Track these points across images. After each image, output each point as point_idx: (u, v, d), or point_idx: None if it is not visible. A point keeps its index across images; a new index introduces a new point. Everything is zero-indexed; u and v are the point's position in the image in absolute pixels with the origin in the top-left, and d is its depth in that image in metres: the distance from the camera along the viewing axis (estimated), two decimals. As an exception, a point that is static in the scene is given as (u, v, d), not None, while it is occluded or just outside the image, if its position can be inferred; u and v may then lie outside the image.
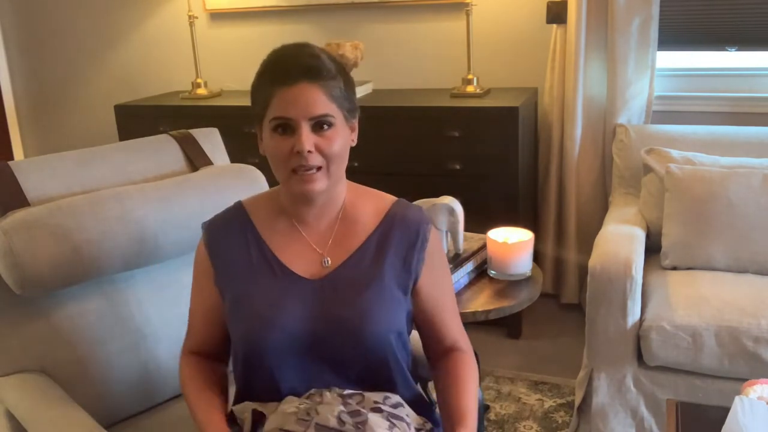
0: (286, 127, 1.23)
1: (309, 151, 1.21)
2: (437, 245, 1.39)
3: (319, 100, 1.22)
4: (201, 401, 1.34)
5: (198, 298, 1.40)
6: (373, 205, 1.37)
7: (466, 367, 1.37)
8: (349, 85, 1.29)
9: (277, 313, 1.28)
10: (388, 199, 1.39)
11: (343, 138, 1.26)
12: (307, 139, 1.21)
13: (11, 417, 1.53)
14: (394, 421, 1.25)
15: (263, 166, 1.97)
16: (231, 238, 1.35)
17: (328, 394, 1.27)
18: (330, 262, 1.33)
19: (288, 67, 1.23)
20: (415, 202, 2.01)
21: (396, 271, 1.32)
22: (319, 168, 1.24)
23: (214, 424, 1.29)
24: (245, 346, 1.30)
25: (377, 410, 1.25)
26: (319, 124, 1.23)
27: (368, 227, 1.34)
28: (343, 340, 1.28)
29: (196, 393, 1.35)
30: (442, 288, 1.39)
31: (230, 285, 1.33)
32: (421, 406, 1.39)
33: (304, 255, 1.33)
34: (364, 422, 1.21)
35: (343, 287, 1.30)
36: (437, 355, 1.41)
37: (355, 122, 1.33)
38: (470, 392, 1.33)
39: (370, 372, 1.31)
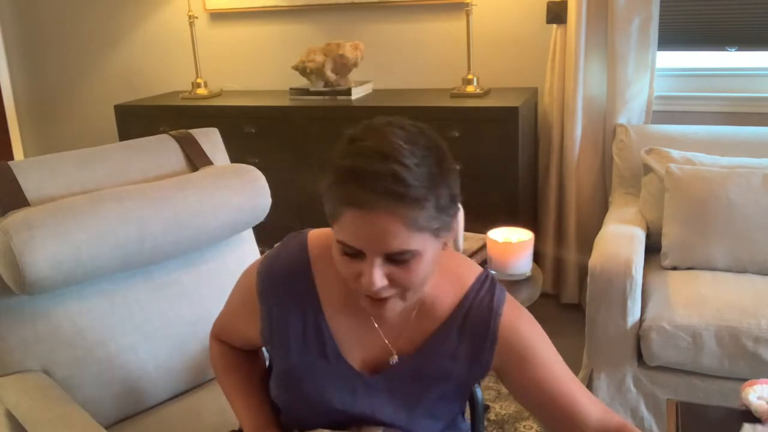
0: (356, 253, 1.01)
1: (380, 287, 1.01)
2: (520, 325, 1.16)
3: (399, 234, 0.96)
4: (239, 392, 1.28)
5: (236, 315, 1.30)
6: (452, 290, 1.16)
7: None
8: (449, 189, 1.00)
9: (324, 403, 1.17)
10: (468, 279, 1.17)
11: (429, 261, 1.02)
12: (378, 275, 0.99)
13: (11, 417, 1.53)
14: None
15: (263, 166, 1.98)
16: (287, 298, 1.16)
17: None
18: (397, 360, 1.15)
19: (363, 186, 0.95)
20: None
21: (464, 368, 1.16)
22: (394, 294, 1.04)
23: (252, 418, 1.24)
24: (288, 413, 1.24)
25: None
26: (397, 257, 1.00)
27: (441, 319, 1.15)
28: None
29: (231, 382, 1.30)
30: (548, 369, 1.15)
31: (278, 350, 1.20)
32: None
33: (370, 347, 1.16)
34: None
35: (400, 386, 1.16)
36: None
37: (453, 224, 1.06)
38: None
39: None
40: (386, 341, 1.16)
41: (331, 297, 1.15)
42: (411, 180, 0.95)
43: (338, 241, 1.01)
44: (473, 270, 1.19)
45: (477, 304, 1.15)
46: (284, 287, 1.16)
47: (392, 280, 1.01)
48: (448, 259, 1.17)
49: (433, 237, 1.01)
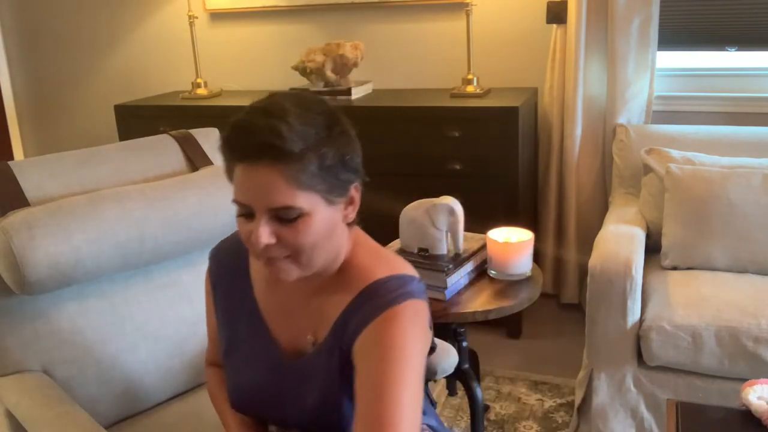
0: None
1: (268, 245, 1.02)
2: (399, 326, 1.04)
3: (281, 189, 0.98)
4: (233, 417, 1.29)
5: (209, 317, 1.36)
6: (369, 273, 1.11)
7: None
8: (336, 152, 1.02)
9: (257, 385, 1.21)
10: (378, 274, 1.10)
11: (320, 225, 1.03)
12: (264, 232, 1.00)
13: (11, 417, 1.53)
14: None
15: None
16: (227, 274, 1.25)
17: None
18: (313, 340, 1.14)
19: (245, 142, 0.99)
20: (415, 202, 2.03)
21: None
22: (287, 256, 1.05)
23: (238, 425, 1.26)
24: (239, 401, 1.27)
25: None
26: (283, 215, 1.01)
27: (351, 297, 1.10)
28: (314, 426, 1.17)
29: (222, 394, 1.32)
30: (377, 382, 1.00)
31: (222, 327, 1.27)
32: None
33: (294, 328, 1.17)
34: None
35: (322, 367, 1.13)
36: None
37: (352, 195, 1.08)
38: None
39: None
40: (306, 322, 1.15)
41: (261, 275, 1.21)
42: (288, 134, 0.97)
43: (233, 201, 1.04)
44: (401, 267, 1.12)
45: (375, 295, 1.07)
46: (225, 264, 1.25)
47: (280, 239, 1.02)
48: (382, 251, 1.17)
49: (324, 200, 1.03)
